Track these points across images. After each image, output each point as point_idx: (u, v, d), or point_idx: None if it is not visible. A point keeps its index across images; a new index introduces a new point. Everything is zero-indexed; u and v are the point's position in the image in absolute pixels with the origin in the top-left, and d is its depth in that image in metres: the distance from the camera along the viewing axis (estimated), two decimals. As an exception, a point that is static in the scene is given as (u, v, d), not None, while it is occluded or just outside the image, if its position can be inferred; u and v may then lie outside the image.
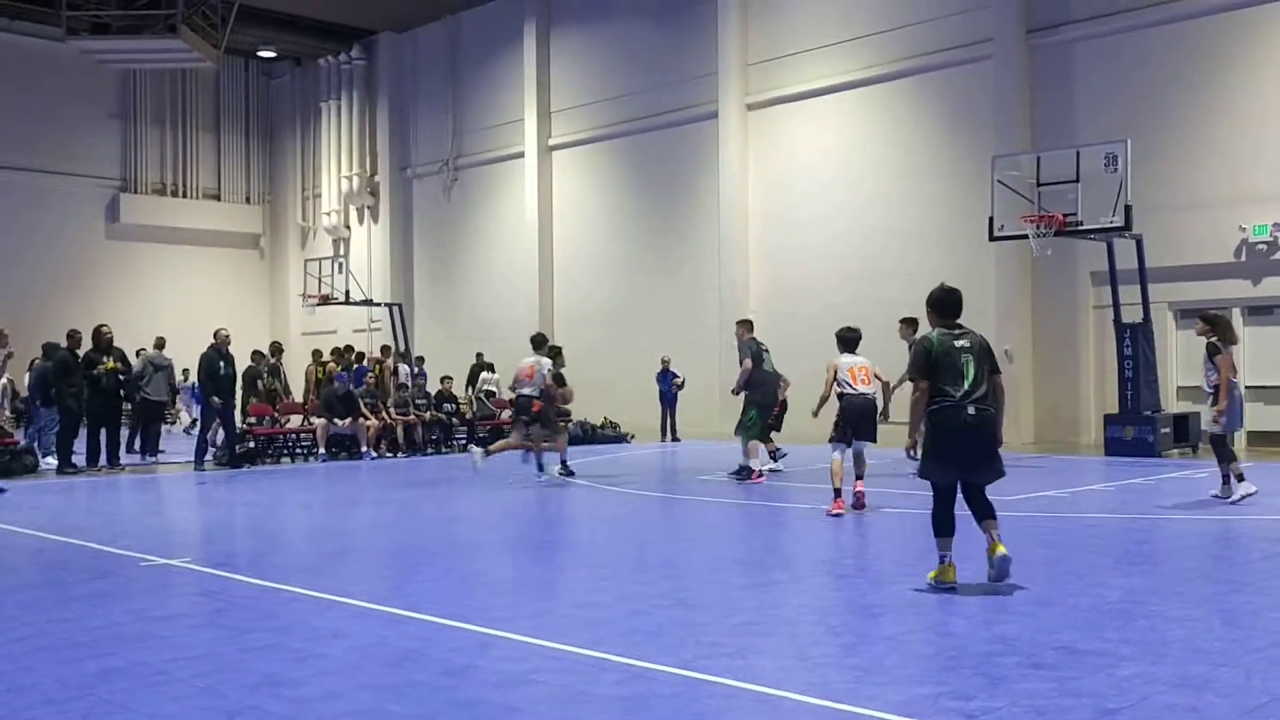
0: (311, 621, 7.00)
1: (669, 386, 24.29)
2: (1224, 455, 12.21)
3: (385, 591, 8.03)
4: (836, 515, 11.44)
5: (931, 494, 7.80)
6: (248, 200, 39.64)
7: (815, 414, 13.24)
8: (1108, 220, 17.36)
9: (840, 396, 12.22)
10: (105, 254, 36.08)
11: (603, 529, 11.75)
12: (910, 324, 15.27)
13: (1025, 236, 18.10)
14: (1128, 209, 17.16)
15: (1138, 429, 18.12)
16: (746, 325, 16.03)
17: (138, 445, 20.45)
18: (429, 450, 21.64)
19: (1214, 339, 12.29)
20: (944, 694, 5.24)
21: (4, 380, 20.57)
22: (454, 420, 22.72)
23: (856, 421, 12.25)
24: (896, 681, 5.52)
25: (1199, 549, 9.48)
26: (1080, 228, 17.66)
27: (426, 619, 6.92)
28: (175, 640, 6.53)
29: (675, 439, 24.14)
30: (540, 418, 15.64)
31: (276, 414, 21.64)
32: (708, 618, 6.97)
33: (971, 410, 7.52)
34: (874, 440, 12.26)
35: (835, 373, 12.34)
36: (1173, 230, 19.79)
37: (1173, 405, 19.80)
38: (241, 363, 20.39)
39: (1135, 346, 18.36)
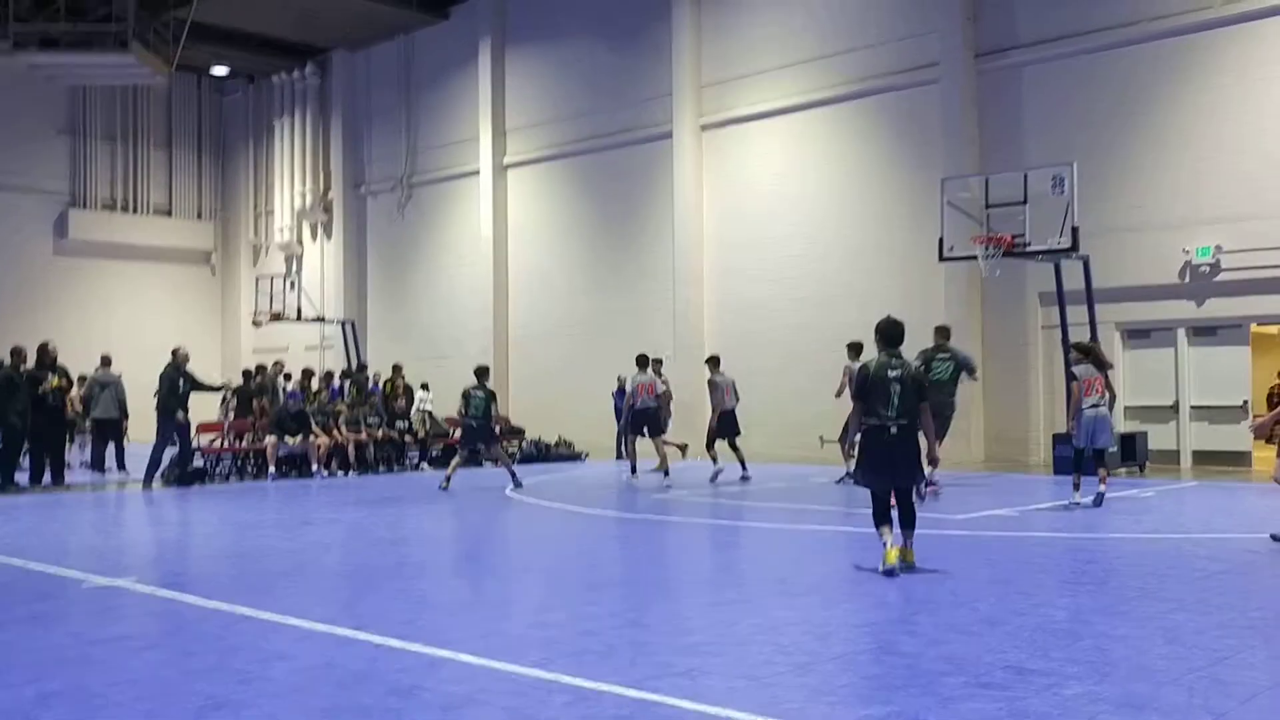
0: (258, 643, 6.93)
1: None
2: (1077, 466, 13.98)
3: (334, 612, 7.95)
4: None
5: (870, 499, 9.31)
6: (199, 216, 39.29)
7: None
8: (1055, 241, 17.55)
9: None
10: (53, 270, 35.61)
11: (555, 548, 11.71)
12: (854, 349, 16.32)
13: (975, 258, 18.27)
14: (1074, 230, 17.35)
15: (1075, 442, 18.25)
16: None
17: (108, 462, 20.32)
18: (380, 469, 21.50)
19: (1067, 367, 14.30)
20: (893, 713, 5.26)
21: None
22: (406, 438, 22.58)
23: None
24: (846, 701, 5.54)
25: (1143, 568, 9.57)
26: (1028, 249, 17.84)
27: (375, 640, 6.86)
28: (117, 663, 6.43)
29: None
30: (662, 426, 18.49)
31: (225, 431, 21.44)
32: (659, 637, 6.97)
33: (894, 429, 9.06)
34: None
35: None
36: (1119, 252, 20.06)
37: (1120, 424, 19.99)
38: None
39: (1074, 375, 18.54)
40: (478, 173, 31.04)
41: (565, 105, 29.23)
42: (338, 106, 35.44)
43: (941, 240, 18.78)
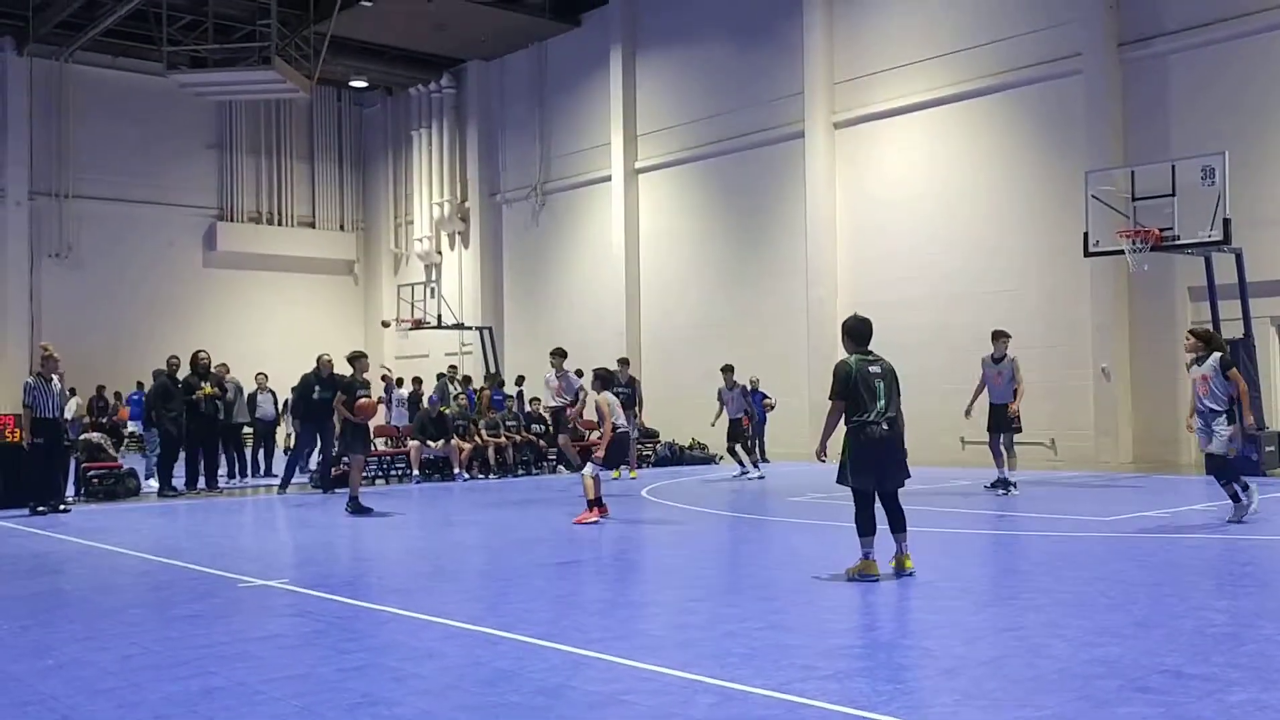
0: (407, 641, 7.08)
1: (759, 408, 24.20)
2: (1235, 474, 12.20)
3: (479, 612, 8.08)
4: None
5: (853, 500, 9.04)
6: (341, 227, 40.34)
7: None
8: (1205, 234, 17.01)
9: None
10: (203, 281, 36.92)
11: (691, 551, 11.71)
12: (1002, 337, 16.16)
13: (1121, 252, 17.81)
14: (1226, 222, 16.80)
15: (1240, 448, 17.62)
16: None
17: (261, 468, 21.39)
18: (520, 471, 21.80)
19: (1223, 353, 12.35)
20: (1045, 717, 5.15)
21: (72, 402, 21.17)
22: (543, 441, 22.84)
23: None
24: (996, 705, 5.42)
25: (1308, 571, 9.20)
26: (1177, 242, 17.33)
27: (520, 639, 6.96)
28: (273, 660, 6.64)
29: (764, 460, 24.00)
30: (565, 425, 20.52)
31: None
32: (801, 640, 6.92)
33: (885, 425, 8.83)
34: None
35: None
36: (1273, 243, 19.29)
37: (1277, 423, 19.27)
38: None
39: (1236, 363, 17.91)
40: (609, 178, 31.24)
41: (695, 107, 29.25)
42: (473, 116, 36.03)
43: (1086, 235, 18.34)
